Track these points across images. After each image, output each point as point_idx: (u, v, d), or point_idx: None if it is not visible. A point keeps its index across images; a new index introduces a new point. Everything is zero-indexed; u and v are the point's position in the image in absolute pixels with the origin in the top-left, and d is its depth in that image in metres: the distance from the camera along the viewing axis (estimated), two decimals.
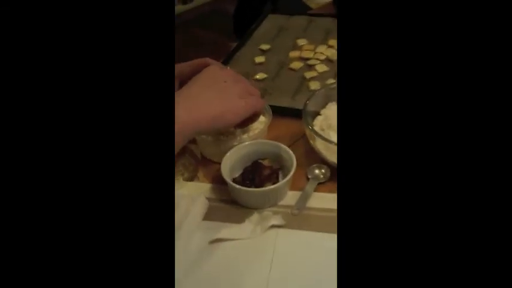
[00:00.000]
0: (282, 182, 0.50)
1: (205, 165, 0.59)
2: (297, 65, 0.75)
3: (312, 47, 0.79)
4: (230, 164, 0.54)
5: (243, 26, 1.02)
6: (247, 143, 0.55)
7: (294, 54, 0.78)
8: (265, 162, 0.55)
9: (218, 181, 0.55)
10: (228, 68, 0.58)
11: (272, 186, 0.50)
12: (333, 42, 0.79)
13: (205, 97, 0.48)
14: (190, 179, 0.57)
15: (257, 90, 0.55)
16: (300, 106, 0.59)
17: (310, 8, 1.00)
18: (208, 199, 0.52)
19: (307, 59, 0.76)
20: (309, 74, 0.72)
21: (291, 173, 0.50)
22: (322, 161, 0.55)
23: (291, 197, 0.52)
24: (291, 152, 0.53)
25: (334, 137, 0.53)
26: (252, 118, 0.53)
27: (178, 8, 2.18)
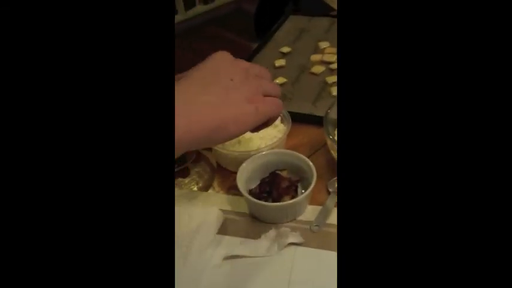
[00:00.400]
0: (301, 196, 0.47)
1: (221, 174, 0.56)
2: (318, 69, 0.72)
3: (334, 50, 0.76)
4: (247, 174, 0.51)
5: (264, 27, 0.99)
6: (264, 152, 0.53)
7: (315, 57, 0.75)
8: (284, 174, 0.52)
9: (234, 192, 0.53)
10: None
11: (290, 201, 0.47)
12: None
13: (203, 101, 0.37)
14: (205, 188, 0.54)
15: (277, 87, 0.44)
16: (321, 113, 0.56)
17: (332, 9, 0.97)
18: (223, 211, 0.50)
19: (330, 62, 0.73)
20: (331, 79, 0.69)
21: (311, 187, 0.47)
22: None
23: (310, 212, 0.49)
24: (311, 163, 0.50)
25: None
26: (267, 122, 0.42)
27: (200, 8, 2.19)
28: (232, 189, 0.54)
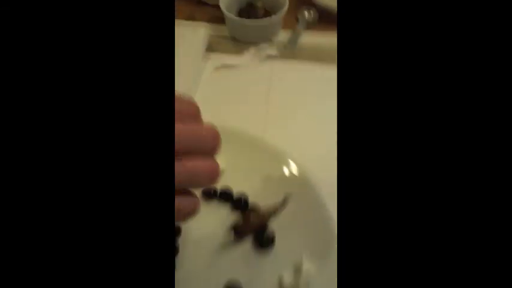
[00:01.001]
0: (275, 15, 0.55)
1: (201, 8, 0.62)
2: None
3: None
4: (227, 1, 0.57)
5: None
6: None
7: None
8: (259, 4, 0.58)
9: (215, 21, 0.59)
10: None
11: (266, 19, 0.54)
12: None
13: None
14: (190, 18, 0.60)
15: (210, 171, 0.27)
16: None
17: None
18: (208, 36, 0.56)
19: None
20: None
21: (284, 9, 0.55)
22: (311, 4, 0.60)
23: (283, 35, 0.57)
24: None
25: None
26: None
27: None
28: (213, 19, 0.60)
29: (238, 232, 0.37)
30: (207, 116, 0.50)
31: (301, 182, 0.39)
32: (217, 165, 0.27)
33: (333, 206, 0.37)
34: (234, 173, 0.39)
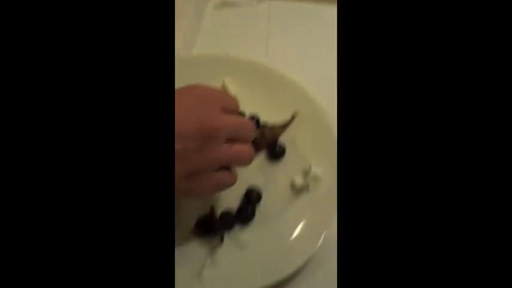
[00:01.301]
0: None
1: None
2: None
3: None
4: None
5: None
6: None
7: None
8: None
9: None
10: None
11: None
12: None
13: None
14: None
15: (246, 156, 0.36)
16: None
17: None
18: None
19: None
20: None
21: None
22: None
23: None
24: None
25: None
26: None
27: None
28: None
29: (254, 146, 0.43)
30: (212, 51, 0.55)
31: (305, 101, 0.45)
32: (252, 149, 0.36)
33: (333, 118, 0.43)
34: (245, 97, 0.45)
